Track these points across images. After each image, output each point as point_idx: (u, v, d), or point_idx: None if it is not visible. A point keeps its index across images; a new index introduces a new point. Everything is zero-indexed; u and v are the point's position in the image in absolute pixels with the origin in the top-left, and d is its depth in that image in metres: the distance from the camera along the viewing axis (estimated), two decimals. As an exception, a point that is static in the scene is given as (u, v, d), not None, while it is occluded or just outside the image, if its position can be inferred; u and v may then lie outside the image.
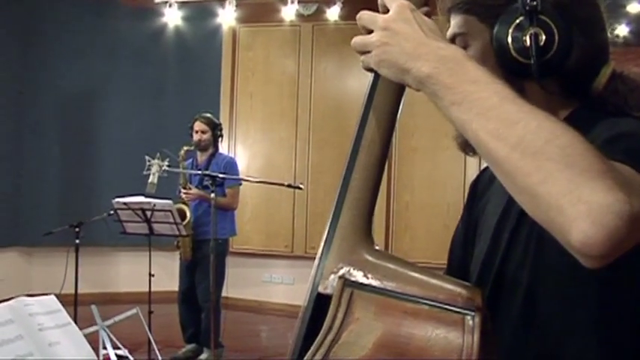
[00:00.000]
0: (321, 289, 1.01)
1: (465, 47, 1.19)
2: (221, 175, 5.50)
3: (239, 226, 6.74)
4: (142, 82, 8.77)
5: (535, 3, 1.06)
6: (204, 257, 5.86)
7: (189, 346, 6.28)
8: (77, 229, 5.67)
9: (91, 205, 7.68)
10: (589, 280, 1.01)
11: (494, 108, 0.89)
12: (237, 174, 6.35)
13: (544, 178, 0.83)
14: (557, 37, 1.07)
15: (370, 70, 1.07)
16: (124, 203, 5.57)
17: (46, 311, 1.45)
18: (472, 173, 7.64)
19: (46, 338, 1.33)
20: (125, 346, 3.92)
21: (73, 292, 5.42)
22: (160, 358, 4.76)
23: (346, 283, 0.99)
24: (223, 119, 8.13)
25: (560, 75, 1.12)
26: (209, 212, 5.77)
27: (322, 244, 1.04)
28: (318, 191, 8.21)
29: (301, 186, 5.79)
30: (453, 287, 0.98)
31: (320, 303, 1.01)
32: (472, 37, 1.19)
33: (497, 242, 1.23)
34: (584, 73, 1.14)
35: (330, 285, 1.00)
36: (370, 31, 1.04)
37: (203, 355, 6.13)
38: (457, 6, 1.19)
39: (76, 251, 5.65)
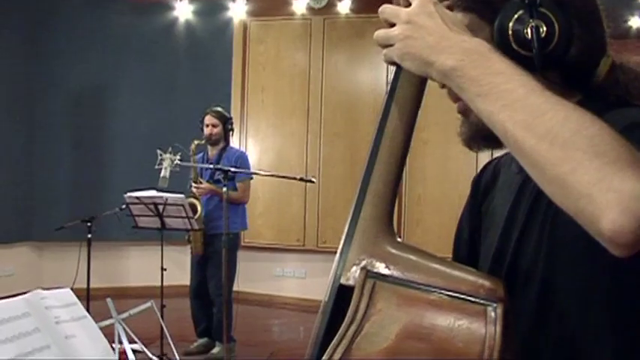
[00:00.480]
0: (343, 281, 1.01)
1: None
2: (233, 169, 5.49)
3: (250, 220, 6.74)
4: (152, 77, 8.78)
5: None
6: (216, 251, 5.87)
7: (202, 340, 6.30)
8: (89, 224, 5.68)
9: (102, 200, 7.72)
10: (605, 269, 1.01)
11: (521, 99, 0.91)
12: (249, 168, 6.35)
13: (573, 168, 0.84)
14: (557, 30, 1.07)
15: (393, 63, 1.07)
16: (136, 197, 5.58)
17: (62, 304, 1.45)
18: (482, 165, 7.61)
19: (63, 331, 1.33)
20: (140, 341, 3.93)
21: (85, 286, 5.44)
22: (175, 352, 4.77)
23: (368, 274, 0.99)
24: (234, 113, 8.14)
25: (561, 67, 1.13)
26: (220, 206, 5.77)
27: (344, 236, 1.05)
28: (329, 185, 8.21)
29: (313, 179, 5.78)
30: (475, 278, 0.99)
31: (342, 295, 1.01)
32: (473, 35, 1.19)
33: (507, 238, 1.22)
34: (585, 64, 1.15)
35: (352, 276, 1.01)
36: (392, 25, 1.05)
37: (215, 350, 6.14)
38: (457, 3, 1.19)
39: (88, 246, 5.67)
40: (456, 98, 1.21)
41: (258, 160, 8.45)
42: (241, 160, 6.25)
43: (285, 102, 8.62)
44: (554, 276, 1.11)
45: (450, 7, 1.08)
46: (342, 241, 1.04)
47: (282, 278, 8.75)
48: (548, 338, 1.12)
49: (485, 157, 7.56)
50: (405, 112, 1.09)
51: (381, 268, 1.00)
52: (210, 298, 6.17)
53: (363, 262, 1.01)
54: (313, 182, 5.92)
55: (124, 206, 5.73)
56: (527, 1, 1.08)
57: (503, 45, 1.10)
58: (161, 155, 5.80)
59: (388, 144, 1.07)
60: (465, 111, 1.23)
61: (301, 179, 5.74)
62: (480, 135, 1.19)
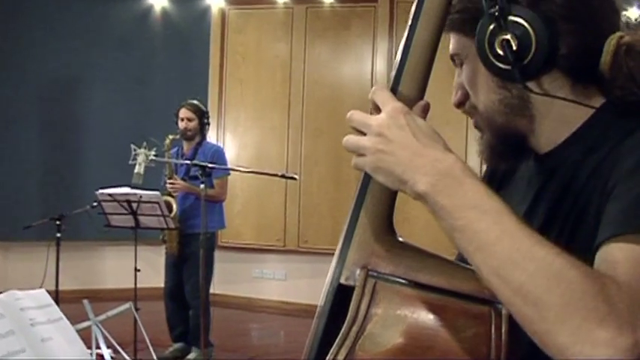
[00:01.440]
0: (342, 281, 1.02)
1: (461, 64, 1.22)
2: (210, 165, 5.48)
3: (228, 219, 6.74)
4: (126, 68, 8.72)
5: (498, 7, 1.07)
6: (192, 252, 5.87)
7: (177, 345, 6.28)
8: (58, 223, 5.66)
9: (73, 197, 7.64)
10: None
11: (494, 244, 0.91)
12: (225, 163, 6.36)
13: (548, 330, 0.87)
14: (533, 35, 1.07)
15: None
16: (109, 195, 5.55)
17: (38, 305, 1.44)
18: (473, 164, 7.63)
19: (39, 334, 1.33)
20: (115, 345, 3.92)
21: (53, 289, 5.40)
22: (154, 356, 4.76)
23: (369, 273, 1.00)
24: (212, 106, 8.13)
25: (561, 68, 1.12)
26: (196, 204, 5.77)
27: (343, 235, 1.05)
28: (311, 182, 8.22)
29: (295, 176, 5.79)
30: (479, 278, 0.98)
31: (340, 297, 1.02)
32: (465, 55, 1.21)
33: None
34: (586, 57, 1.11)
35: (352, 276, 1.01)
36: (360, 132, 1.04)
37: (191, 355, 6.12)
38: (448, 26, 1.18)
39: (57, 246, 5.65)
40: (470, 114, 1.24)
41: (237, 156, 8.43)
42: (217, 155, 6.25)
43: (266, 95, 8.60)
44: None
45: (426, 109, 1.07)
46: (341, 240, 1.05)
47: (261, 280, 8.73)
48: None
49: (474, 152, 7.62)
50: (417, 82, 1.08)
51: (382, 267, 1.00)
52: (187, 301, 6.16)
53: (364, 261, 1.01)
54: (295, 179, 5.93)
55: (95, 204, 5.70)
56: (494, 13, 1.07)
57: (486, 62, 1.12)
58: (135, 150, 5.78)
59: None
60: (478, 126, 1.24)
61: (283, 176, 5.76)
62: (496, 153, 1.21)
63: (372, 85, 8.00)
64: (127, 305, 4.08)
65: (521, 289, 0.88)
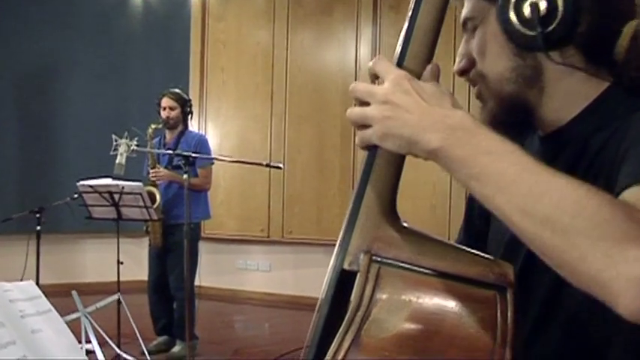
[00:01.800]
0: (346, 266, 1.02)
1: (474, 29, 1.22)
2: (194, 155, 5.47)
3: (212, 210, 6.72)
4: (105, 56, 8.68)
5: None
6: (176, 243, 5.85)
7: (161, 339, 6.28)
8: (38, 215, 5.62)
9: (53, 189, 7.60)
10: None
11: (514, 182, 0.92)
12: (209, 153, 6.36)
13: (579, 256, 0.86)
14: (560, 3, 1.08)
15: (367, 147, 1.07)
16: (90, 186, 5.52)
17: (27, 297, 1.45)
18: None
19: (28, 325, 1.33)
20: (101, 337, 3.91)
21: (34, 282, 5.36)
22: (144, 348, 4.77)
23: (373, 258, 1.00)
24: (193, 95, 8.09)
25: (577, 45, 1.12)
26: (180, 194, 5.76)
27: (345, 220, 1.05)
28: (295, 171, 8.22)
29: (280, 166, 5.80)
30: (484, 262, 1.01)
31: (343, 284, 1.02)
32: (480, 19, 1.21)
33: None
34: (602, 38, 1.13)
35: (355, 261, 1.01)
36: (365, 103, 1.04)
37: (176, 348, 6.12)
38: None
39: (37, 239, 5.61)
40: (473, 82, 1.23)
41: (219, 145, 8.42)
42: (201, 144, 6.24)
43: (248, 83, 8.58)
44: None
45: (437, 69, 1.07)
46: (344, 226, 1.05)
47: (245, 271, 8.75)
48: (557, 331, 1.15)
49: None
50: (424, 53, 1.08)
51: (386, 252, 1.01)
52: (170, 293, 6.16)
53: (367, 246, 1.02)
54: (280, 168, 5.94)
55: (76, 195, 5.66)
56: None
57: (506, 26, 1.12)
58: (116, 140, 5.75)
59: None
60: (481, 96, 1.24)
61: (268, 165, 5.76)
62: (499, 123, 1.19)
63: (356, 72, 8.10)
64: (115, 297, 4.07)
65: (549, 220, 0.88)
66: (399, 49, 1.07)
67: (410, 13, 1.07)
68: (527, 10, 1.09)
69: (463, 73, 1.25)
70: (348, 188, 7.95)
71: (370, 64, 1.06)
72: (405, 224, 1.06)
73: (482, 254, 1.04)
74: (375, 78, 1.06)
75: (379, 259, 1.00)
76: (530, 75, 1.16)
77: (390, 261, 1.00)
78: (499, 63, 1.18)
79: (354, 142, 7.95)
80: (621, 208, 0.88)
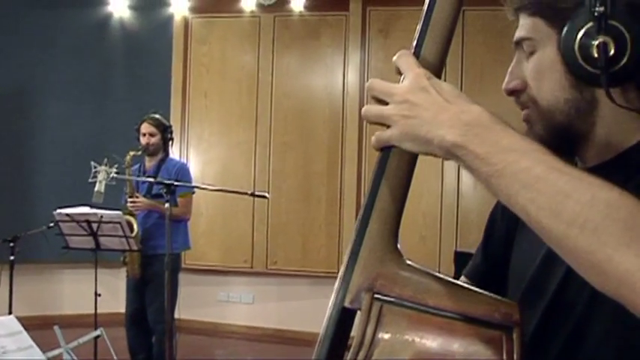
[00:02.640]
0: (347, 304, 1.02)
1: (532, 52, 1.21)
2: (176, 183, 5.46)
3: (192, 240, 6.70)
4: (84, 79, 8.66)
5: (603, 8, 1.08)
6: (155, 274, 5.83)
7: (139, 374, 6.22)
8: (12, 244, 5.60)
9: (28, 217, 7.56)
10: None
11: (540, 179, 0.92)
12: (190, 181, 6.33)
13: (610, 256, 0.86)
14: (629, 45, 1.08)
15: (383, 149, 1.08)
16: (67, 214, 5.50)
17: (8, 333, 1.44)
18: (450, 182, 7.73)
19: (10, 364, 1.31)
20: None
21: (7, 315, 5.33)
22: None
23: (375, 297, 1.00)
24: (174, 120, 8.07)
25: (636, 82, 1.14)
26: (159, 224, 5.74)
27: (347, 255, 1.05)
28: (280, 200, 8.21)
29: (266, 195, 5.80)
30: (489, 302, 1.01)
31: (342, 322, 1.03)
32: (539, 42, 1.20)
33: (550, 261, 1.21)
34: None
35: (357, 299, 1.01)
36: (382, 102, 1.05)
37: (155, 384, 6.07)
38: (525, 7, 1.21)
39: (11, 269, 5.58)
40: (523, 106, 1.23)
41: (202, 173, 8.41)
42: (182, 172, 6.24)
43: (231, 108, 8.59)
44: (591, 318, 1.13)
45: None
46: (345, 261, 1.05)
47: (227, 304, 8.69)
48: None
49: (451, 171, 7.65)
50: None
51: (389, 290, 1.01)
52: (149, 327, 6.10)
53: (369, 284, 1.02)
54: (266, 197, 5.93)
55: (52, 224, 5.64)
56: (595, 13, 1.08)
57: (569, 59, 1.12)
58: (95, 167, 5.73)
59: (397, 157, 1.07)
60: (529, 119, 1.24)
61: (252, 194, 5.75)
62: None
63: (343, 98, 8.15)
64: (97, 332, 4.04)
65: (578, 219, 0.88)
66: (414, 43, 1.09)
67: (425, 8, 1.09)
68: (594, 47, 1.08)
69: (513, 93, 1.25)
70: (335, 218, 7.96)
71: (395, 57, 1.07)
72: (408, 261, 1.06)
73: (488, 293, 1.04)
74: (398, 71, 1.07)
75: (381, 297, 1.00)
76: (585, 108, 1.17)
77: (393, 299, 1.00)
78: (555, 93, 1.19)
79: (342, 169, 7.98)
80: None
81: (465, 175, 7.59)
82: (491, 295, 1.04)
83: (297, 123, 8.31)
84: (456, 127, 0.97)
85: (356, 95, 7.98)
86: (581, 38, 1.10)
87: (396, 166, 1.07)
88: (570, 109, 1.17)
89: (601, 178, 0.91)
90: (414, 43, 1.09)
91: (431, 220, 7.62)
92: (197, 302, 8.33)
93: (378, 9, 8.10)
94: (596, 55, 1.08)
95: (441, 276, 1.05)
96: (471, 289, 1.04)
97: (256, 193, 5.77)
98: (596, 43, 1.08)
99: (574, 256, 0.90)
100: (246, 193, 5.71)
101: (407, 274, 1.03)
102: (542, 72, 1.19)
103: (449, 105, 0.99)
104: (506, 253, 1.40)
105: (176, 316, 6.15)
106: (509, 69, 1.25)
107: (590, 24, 1.09)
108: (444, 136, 0.97)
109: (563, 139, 1.20)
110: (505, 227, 1.42)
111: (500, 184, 0.94)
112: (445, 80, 1.06)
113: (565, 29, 1.13)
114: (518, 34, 1.24)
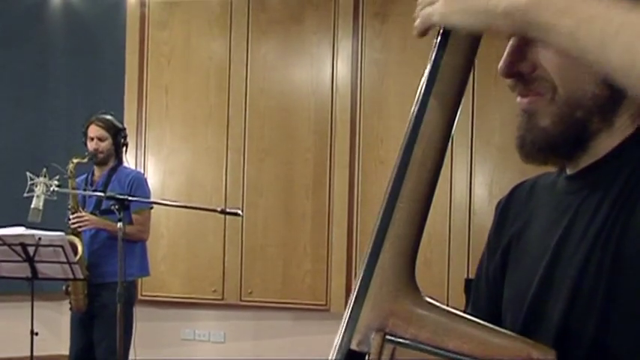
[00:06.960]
0: (353, 346, 1.03)
1: None
2: (130, 197, 5.45)
3: (151, 266, 6.68)
4: (18, 73, 8.65)
5: None
6: (104, 307, 5.88)
7: None
8: None
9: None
10: None
11: (625, 23, 1.01)
12: (148, 194, 6.39)
13: None
14: None
15: (424, 33, 1.14)
16: (-3, 237, 5.48)
17: None
18: (460, 196, 7.74)
19: None
20: None
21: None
22: None
23: (387, 338, 1.01)
24: (129, 122, 8.06)
25: None
26: (109, 246, 5.78)
27: (355, 289, 1.07)
28: (256, 218, 8.22)
29: (239, 212, 5.80)
30: (520, 346, 1.02)
31: None
32: None
33: (551, 278, 1.25)
34: None
35: (365, 340, 1.02)
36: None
37: None
38: None
39: None
40: (522, 93, 1.27)
41: (162, 185, 8.41)
42: (137, 182, 6.28)
43: (198, 107, 8.60)
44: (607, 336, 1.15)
45: None
46: (352, 296, 1.06)
47: (193, 343, 8.70)
48: None
49: (461, 180, 7.63)
50: (446, 112, 1.12)
51: (403, 330, 1.02)
52: (99, 370, 6.09)
53: (380, 323, 1.03)
54: (239, 215, 5.93)
55: (-22, 248, 5.62)
56: None
57: None
58: (32, 179, 5.72)
59: (416, 172, 1.09)
60: (535, 111, 1.27)
61: (222, 212, 5.75)
62: (551, 145, 1.25)
63: (332, 95, 8.19)
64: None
65: None
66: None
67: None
68: None
69: (513, 76, 1.30)
70: (322, 238, 7.96)
71: None
72: (426, 298, 1.08)
73: (518, 336, 1.06)
74: None
75: (394, 338, 1.01)
76: (609, 107, 1.23)
77: (407, 341, 1.01)
78: (583, 84, 1.22)
79: (330, 181, 7.99)
80: None
81: (479, 188, 7.62)
82: (521, 337, 1.05)
83: (277, 125, 8.32)
84: None
85: (347, 91, 8.00)
86: None
87: (414, 183, 1.09)
88: (593, 106, 1.22)
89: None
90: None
91: (437, 241, 7.63)
92: (156, 341, 8.34)
93: (373, -12, 8.13)
94: None
95: (465, 315, 1.07)
96: (495, 329, 1.05)
97: (228, 209, 5.78)
98: None
99: None
100: (215, 210, 5.73)
101: (424, 312, 1.04)
102: (572, 63, 1.22)
103: None
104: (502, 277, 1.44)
105: (131, 357, 6.15)
106: (509, 49, 1.29)
107: None
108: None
109: (573, 135, 1.25)
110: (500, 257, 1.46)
111: (573, 39, 1.04)
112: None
113: None
114: None
